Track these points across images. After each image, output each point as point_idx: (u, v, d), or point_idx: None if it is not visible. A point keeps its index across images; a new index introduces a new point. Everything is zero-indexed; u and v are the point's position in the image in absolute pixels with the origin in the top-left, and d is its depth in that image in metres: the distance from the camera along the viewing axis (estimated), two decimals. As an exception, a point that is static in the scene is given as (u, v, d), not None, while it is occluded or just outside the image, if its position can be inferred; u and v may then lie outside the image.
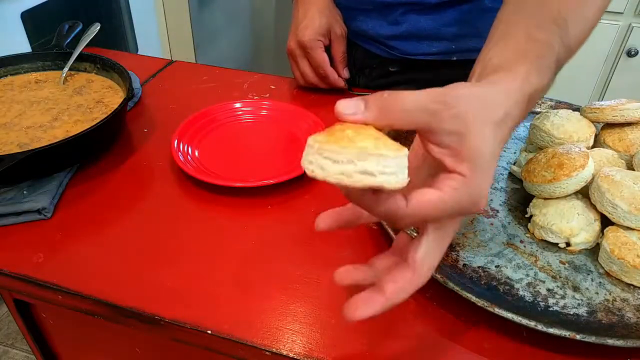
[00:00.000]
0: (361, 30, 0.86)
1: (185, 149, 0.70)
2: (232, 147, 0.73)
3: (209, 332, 0.48)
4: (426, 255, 0.38)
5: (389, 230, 0.54)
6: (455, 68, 0.84)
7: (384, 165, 0.31)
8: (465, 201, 0.35)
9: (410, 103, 0.34)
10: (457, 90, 0.36)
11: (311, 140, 0.33)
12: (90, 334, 0.67)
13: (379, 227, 0.60)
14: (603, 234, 0.56)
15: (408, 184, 0.32)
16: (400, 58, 0.85)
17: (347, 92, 0.86)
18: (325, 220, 0.42)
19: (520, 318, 0.46)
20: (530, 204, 0.60)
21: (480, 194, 0.36)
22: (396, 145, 0.32)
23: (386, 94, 0.35)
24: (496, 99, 0.38)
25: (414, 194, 0.35)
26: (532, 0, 0.47)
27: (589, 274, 0.54)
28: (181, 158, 0.67)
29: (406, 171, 0.32)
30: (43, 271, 0.54)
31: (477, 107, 0.36)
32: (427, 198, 0.34)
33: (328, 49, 0.83)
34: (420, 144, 0.39)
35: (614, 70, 1.86)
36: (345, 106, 0.34)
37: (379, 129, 0.34)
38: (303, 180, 0.66)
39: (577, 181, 0.57)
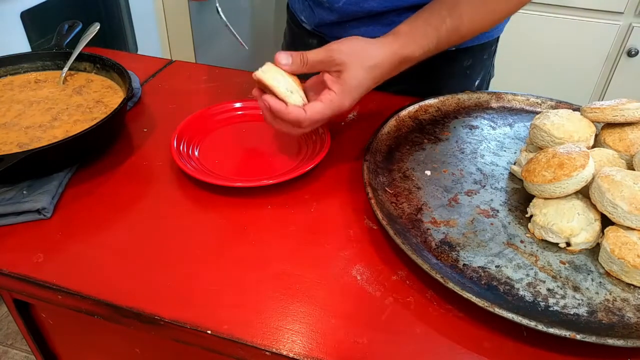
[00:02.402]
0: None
1: (185, 149, 0.70)
2: (232, 147, 0.73)
3: (209, 332, 0.48)
4: (315, 111, 0.61)
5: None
6: (446, 58, 0.84)
7: (294, 98, 0.61)
8: (335, 107, 0.61)
9: (312, 59, 0.61)
10: (343, 45, 0.61)
11: (267, 65, 0.61)
12: (90, 334, 0.67)
13: (379, 228, 0.60)
14: (603, 233, 0.56)
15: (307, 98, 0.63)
16: None
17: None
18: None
19: (520, 318, 0.46)
20: (531, 203, 0.60)
21: (343, 106, 0.61)
22: (302, 88, 0.63)
23: (301, 54, 0.61)
24: (372, 52, 0.62)
25: (308, 107, 0.60)
26: None
27: (589, 274, 0.54)
28: (181, 158, 0.67)
29: (301, 100, 0.62)
30: (43, 271, 0.54)
31: (353, 57, 0.60)
32: (316, 108, 0.60)
33: None
34: (316, 80, 0.65)
35: (614, 70, 1.86)
36: (282, 57, 0.61)
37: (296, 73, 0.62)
38: (303, 180, 0.66)
39: (577, 181, 0.57)
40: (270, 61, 0.62)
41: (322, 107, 0.60)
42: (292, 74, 0.62)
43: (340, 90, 0.60)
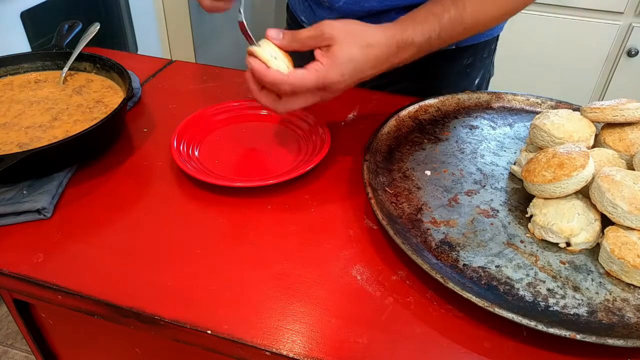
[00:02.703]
0: None
1: (185, 149, 0.70)
2: (231, 147, 0.73)
3: (209, 332, 0.48)
4: (296, 76, 0.58)
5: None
6: (447, 56, 0.84)
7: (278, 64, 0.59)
8: (320, 78, 0.58)
9: (303, 35, 0.60)
10: (335, 22, 0.59)
11: (261, 40, 0.61)
12: (90, 334, 0.67)
13: (379, 228, 0.60)
14: (603, 233, 0.56)
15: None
16: None
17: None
18: None
19: (520, 318, 0.46)
20: (531, 203, 0.60)
21: (329, 79, 0.58)
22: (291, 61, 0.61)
23: (291, 31, 0.60)
24: (367, 33, 0.60)
25: (290, 72, 0.59)
26: None
27: (589, 274, 0.54)
28: (181, 158, 0.67)
29: (286, 67, 0.59)
30: (43, 271, 0.54)
31: (345, 34, 0.59)
32: (298, 73, 0.58)
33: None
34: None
35: (614, 70, 1.86)
36: (273, 33, 0.61)
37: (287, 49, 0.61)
38: (303, 181, 0.66)
39: (577, 181, 0.57)
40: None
41: (304, 73, 0.58)
42: (284, 49, 0.61)
43: (327, 62, 0.58)
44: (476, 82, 0.94)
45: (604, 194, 0.55)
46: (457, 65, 0.89)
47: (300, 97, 0.60)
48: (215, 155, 0.71)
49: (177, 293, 0.52)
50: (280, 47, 0.60)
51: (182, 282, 0.53)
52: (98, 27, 0.83)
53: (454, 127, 0.76)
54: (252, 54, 0.60)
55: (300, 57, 0.62)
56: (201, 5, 0.68)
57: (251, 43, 0.61)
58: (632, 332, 0.47)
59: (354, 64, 0.59)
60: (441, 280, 0.50)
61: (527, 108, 0.80)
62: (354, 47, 0.59)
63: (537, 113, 0.74)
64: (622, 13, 1.75)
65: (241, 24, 0.63)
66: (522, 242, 0.57)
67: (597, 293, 0.52)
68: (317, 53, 0.59)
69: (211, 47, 2.07)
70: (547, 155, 0.60)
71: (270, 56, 0.59)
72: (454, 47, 0.85)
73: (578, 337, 0.45)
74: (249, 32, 0.62)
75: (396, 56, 0.62)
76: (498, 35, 0.92)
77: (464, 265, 0.54)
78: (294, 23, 0.98)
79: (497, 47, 0.95)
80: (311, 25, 0.60)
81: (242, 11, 0.64)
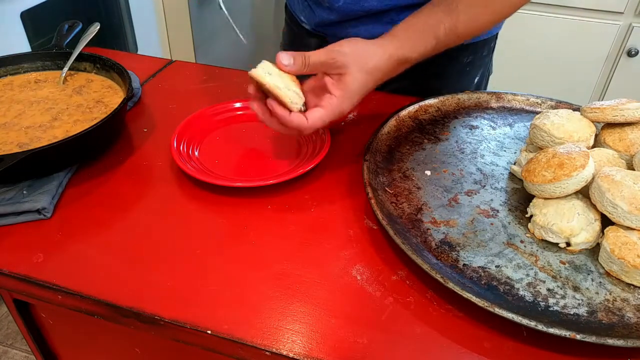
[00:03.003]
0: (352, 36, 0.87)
1: (185, 149, 0.70)
2: (231, 147, 0.73)
3: (209, 332, 0.48)
4: (317, 118, 0.61)
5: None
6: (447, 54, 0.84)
7: (294, 99, 0.61)
8: (336, 113, 0.61)
9: (314, 61, 0.60)
10: (344, 47, 0.61)
11: (264, 62, 0.60)
12: (90, 334, 0.67)
13: (379, 228, 0.60)
14: (603, 233, 0.56)
15: (305, 104, 0.62)
16: None
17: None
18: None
19: (520, 318, 0.46)
20: (531, 203, 0.60)
21: (343, 110, 0.62)
22: (300, 89, 0.62)
23: (302, 55, 0.60)
24: (371, 53, 0.62)
25: (309, 114, 0.60)
26: None
27: (589, 274, 0.54)
28: (181, 158, 0.67)
29: (302, 101, 0.62)
30: (43, 271, 0.54)
31: (354, 59, 0.60)
32: (317, 115, 0.60)
33: None
34: (314, 84, 0.64)
35: (614, 70, 1.86)
36: (283, 58, 0.60)
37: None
38: (303, 181, 0.66)
39: (577, 181, 0.57)
40: (270, 60, 0.62)
41: (323, 113, 0.60)
42: (292, 74, 0.62)
43: (341, 95, 0.61)
44: (476, 80, 0.94)
45: (604, 194, 0.55)
46: (457, 63, 0.90)
47: (318, 128, 0.63)
48: (215, 155, 0.71)
49: (177, 293, 0.52)
50: (288, 73, 0.61)
51: (182, 282, 0.53)
52: (98, 27, 0.83)
53: (454, 127, 0.76)
54: (257, 80, 0.60)
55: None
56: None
57: (241, 40, 0.61)
58: (632, 332, 0.47)
59: (363, 91, 0.62)
60: (441, 280, 0.50)
61: (527, 108, 0.80)
62: (363, 73, 0.61)
63: (537, 113, 0.74)
64: (622, 13, 1.75)
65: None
66: (522, 242, 0.57)
67: (597, 293, 0.52)
68: (329, 83, 0.61)
69: (211, 47, 2.07)
70: (547, 155, 0.60)
71: (287, 92, 0.60)
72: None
73: (578, 337, 0.45)
74: (237, 29, 0.61)
75: (395, 71, 0.65)
76: (497, 34, 0.93)
77: (464, 265, 0.54)
78: (292, 23, 0.98)
79: (498, 47, 0.95)
80: (321, 49, 0.61)
81: (222, 7, 0.64)
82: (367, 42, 0.63)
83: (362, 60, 0.61)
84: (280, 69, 0.60)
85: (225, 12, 0.60)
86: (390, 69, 0.64)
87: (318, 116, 0.60)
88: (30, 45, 1.33)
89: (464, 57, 0.89)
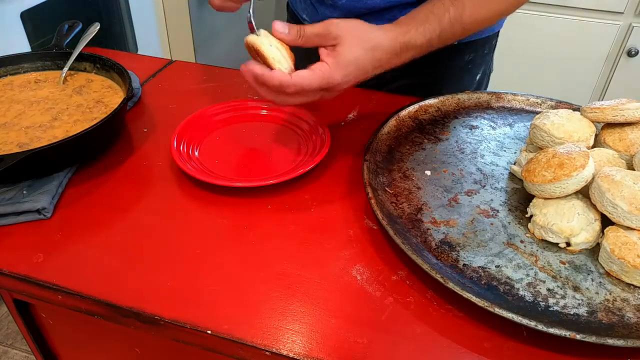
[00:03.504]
0: None
1: (185, 149, 0.70)
2: (231, 147, 0.73)
3: (209, 332, 0.48)
4: (301, 77, 0.58)
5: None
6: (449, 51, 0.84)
7: (277, 57, 0.60)
8: (324, 79, 0.58)
9: (309, 32, 0.60)
10: (341, 22, 0.60)
11: (261, 31, 0.61)
12: (90, 334, 0.67)
13: (379, 228, 0.60)
14: (603, 233, 0.56)
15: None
16: None
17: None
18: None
19: (520, 318, 0.46)
20: (531, 203, 0.60)
21: (334, 79, 0.59)
22: (291, 57, 0.61)
23: (297, 26, 0.60)
24: (372, 34, 0.61)
25: (294, 73, 0.58)
26: None
27: (589, 274, 0.54)
28: (181, 158, 0.67)
29: (289, 67, 0.60)
30: (43, 271, 0.54)
31: (351, 33, 0.59)
32: (303, 74, 0.58)
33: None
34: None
35: (614, 70, 1.86)
36: (279, 26, 0.60)
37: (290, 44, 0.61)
38: (303, 181, 0.66)
39: (577, 181, 0.57)
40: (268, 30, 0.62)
41: (309, 74, 0.58)
42: (287, 44, 0.61)
43: (332, 62, 0.59)
44: (477, 77, 0.94)
45: (604, 194, 0.55)
46: (458, 61, 0.90)
47: (302, 95, 0.60)
48: (215, 155, 0.71)
49: (177, 293, 0.52)
50: (283, 42, 0.60)
51: (182, 282, 0.53)
52: (98, 27, 0.83)
53: (454, 127, 0.76)
54: (251, 45, 0.60)
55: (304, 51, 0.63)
56: (210, 3, 0.68)
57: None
58: (632, 332, 0.47)
59: (358, 66, 0.60)
60: (441, 280, 0.50)
61: (527, 108, 0.80)
62: (359, 49, 0.59)
63: (537, 113, 0.74)
64: (622, 13, 1.75)
65: (250, 25, 0.63)
66: (522, 242, 0.57)
67: (597, 293, 0.52)
68: (323, 52, 0.60)
69: (211, 47, 2.07)
70: (547, 155, 0.60)
71: (275, 56, 0.59)
72: (455, 43, 0.85)
73: (578, 337, 0.45)
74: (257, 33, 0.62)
75: (398, 58, 0.63)
76: (498, 32, 0.93)
77: (464, 265, 0.54)
78: (294, 21, 0.98)
79: (498, 47, 0.95)
80: (319, 22, 0.60)
81: (252, 12, 0.64)
82: (371, 25, 0.62)
83: (359, 36, 0.60)
84: (275, 37, 0.60)
85: (251, 14, 0.60)
86: (394, 53, 0.62)
87: (303, 75, 0.58)
88: (30, 45, 1.33)
89: (466, 55, 0.89)
